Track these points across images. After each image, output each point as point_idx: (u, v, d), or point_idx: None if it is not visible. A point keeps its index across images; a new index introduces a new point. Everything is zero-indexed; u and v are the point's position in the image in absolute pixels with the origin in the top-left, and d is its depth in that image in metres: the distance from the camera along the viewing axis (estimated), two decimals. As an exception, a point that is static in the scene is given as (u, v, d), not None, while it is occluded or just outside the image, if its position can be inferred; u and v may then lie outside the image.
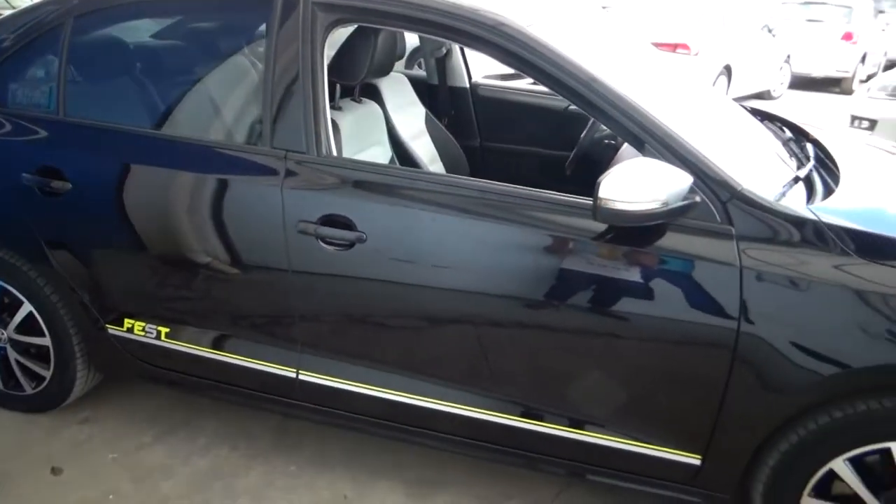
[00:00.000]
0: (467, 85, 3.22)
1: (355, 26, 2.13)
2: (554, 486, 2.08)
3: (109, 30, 2.21)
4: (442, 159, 2.86)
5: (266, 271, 1.91)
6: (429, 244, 1.76)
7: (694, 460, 1.68)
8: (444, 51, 3.18)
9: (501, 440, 1.86)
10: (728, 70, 8.74)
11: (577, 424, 1.77)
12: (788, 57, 10.58)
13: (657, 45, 8.54)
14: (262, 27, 1.96)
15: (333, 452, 2.20)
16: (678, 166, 1.54)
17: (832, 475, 1.59)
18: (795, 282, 1.51)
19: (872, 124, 6.17)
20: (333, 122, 1.98)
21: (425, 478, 2.10)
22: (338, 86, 2.24)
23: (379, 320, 1.88)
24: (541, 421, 1.80)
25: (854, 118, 6.43)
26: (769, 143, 2.14)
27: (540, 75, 1.69)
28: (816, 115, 8.93)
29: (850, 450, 1.55)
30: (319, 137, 1.82)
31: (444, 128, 2.93)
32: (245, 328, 2.01)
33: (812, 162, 1.95)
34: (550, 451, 1.83)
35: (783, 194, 1.67)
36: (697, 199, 1.55)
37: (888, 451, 1.52)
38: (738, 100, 8.21)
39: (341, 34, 2.13)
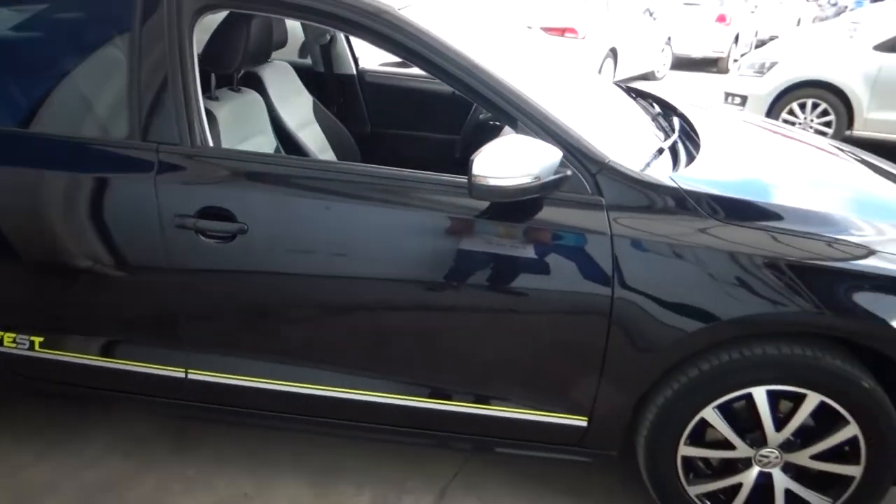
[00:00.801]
0: (354, 72, 3.20)
1: (226, 13, 2.06)
2: (453, 464, 2.12)
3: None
4: (333, 147, 2.84)
5: (145, 269, 1.83)
6: (318, 232, 1.75)
7: (581, 422, 1.76)
8: (328, 37, 3.14)
9: (410, 422, 1.88)
10: (614, 53, 9.10)
11: (481, 400, 1.81)
12: (669, 39, 11.15)
13: (547, 29, 8.80)
14: (127, 15, 1.87)
15: (233, 451, 2.15)
16: (549, 142, 1.60)
17: (704, 423, 1.71)
18: (662, 246, 1.60)
19: (744, 100, 6.61)
20: (210, 112, 1.93)
21: (326, 466, 2.09)
22: (213, 75, 2.17)
23: (269, 312, 1.84)
24: (448, 400, 1.82)
25: (727, 95, 6.87)
26: (639, 119, 2.26)
27: (416, 59, 1.71)
28: (696, 93, 9.48)
29: (717, 398, 1.67)
30: (193, 128, 1.76)
31: (333, 116, 2.91)
32: (127, 330, 1.92)
33: (676, 134, 2.07)
34: (458, 428, 1.86)
35: (648, 164, 1.76)
36: (569, 172, 1.62)
37: (750, 396, 1.66)
38: (623, 81, 8.55)
39: (213, 21, 2.06)
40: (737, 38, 12.10)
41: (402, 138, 3.12)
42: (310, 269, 1.77)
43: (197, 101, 1.78)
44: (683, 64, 12.29)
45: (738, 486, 1.76)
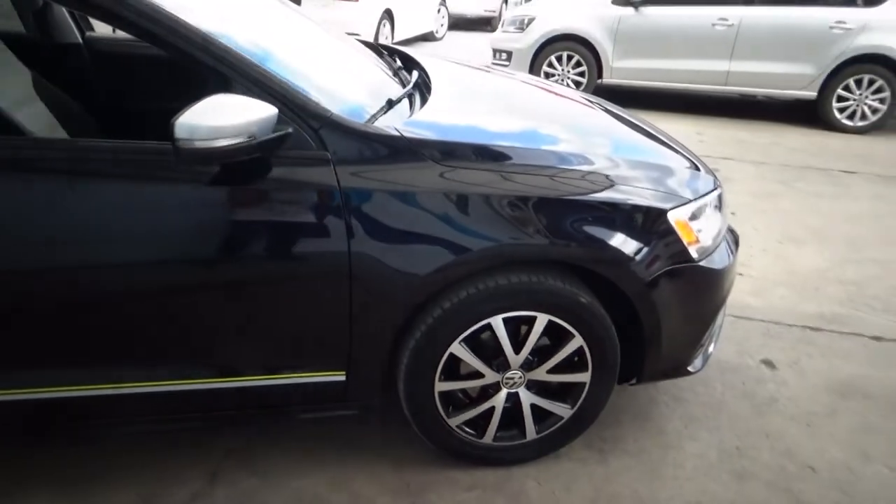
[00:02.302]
0: (80, 40, 2.88)
1: None
2: (224, 444, 2.06)
3: None
4: (64, 125, 2.54)
5: None
6: (27, 218, 1.55)
7: (340, 377, 1.78)
8: (41, 2, 2.79)
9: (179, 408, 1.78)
10: (390, 15, 9.16)
11: (271, 371, 1.76)
12: (444, 0, 11.46)
13: (319, -8, 8.54)
14: None
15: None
16: (264, 99, 1.55)
17: (454, 358, 1.81)
18: (392, 194, 1.64)
19: (509, 55, 7.03)
20: None
21: (81, 478, 1.91)
22: None
23: None
24: (207, 378, 1.74)
25: (495, 51, 7.26)
26: (376, 74, 2.28)
27: (109, 18, 1.56)
28: (472, 51, 9.88)
29: (461, 333, 1.77)
30: None
31: (59, 91, 2.60)
32: None
33: (409, 87, 2.13)
34: (246, 401, 1.80)
35: (375, 117, 1.79)
36: (290, 129, 1.59)
37: (490, 326, 1.78)
38: (403, 43, 8.66)
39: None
40: (505, -3, 12.79)
41: (148, 110, 2.89)
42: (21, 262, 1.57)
43: None
44: (460, 24, 12.75)
45: (492, 409, 1.91)
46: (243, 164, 1.54)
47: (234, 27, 1.79)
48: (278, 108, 1.54)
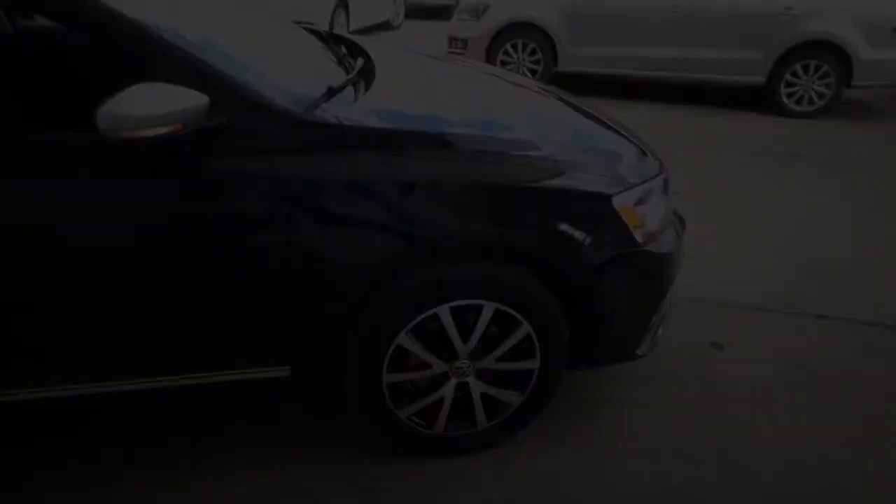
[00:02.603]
0: (10, 29, 2.75)
1: None
2: (166, 446, 2.01)
3: None
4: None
5: None
6: None
7: (284, 372, 1.74)
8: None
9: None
10: (344, 3, 9.04)
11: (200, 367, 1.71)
12: (400, -12, 11.36)
13: (270, -20, 8.35)
14: None
15: None
16: (196, 87, 1.49)
17: (401, 349, 1.79)
18: (332, 184, 1.60)
19: (465, 43, 7.00)
20: None
21: (10, 484, 1.85)
22: None
23: None
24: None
25: (452, 39, 7.22)
26: (319, 61, 2.23)
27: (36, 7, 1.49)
28: (430, 40, 9.81)
29: (407, 323, 1.75)
30: None
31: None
32: None
33: (352, 75, 2.08)
34: (186, 399, 1.75)
35: (315, 104, 1.74)
36: (223, 118, 1.53)
37: (436, 315, 1.76)
38: (360, 31, 8.53)
39: None
40: (462, -15, 12.70)
41: (81, 100, 2.79)
42: None
43: None
44: (419, 12, 12.65)
45: (441, 399, 1.90)
46: (173, 154, 1.49)
47: (166, 12, 1.73)
48: (210, 95, 1.49)
